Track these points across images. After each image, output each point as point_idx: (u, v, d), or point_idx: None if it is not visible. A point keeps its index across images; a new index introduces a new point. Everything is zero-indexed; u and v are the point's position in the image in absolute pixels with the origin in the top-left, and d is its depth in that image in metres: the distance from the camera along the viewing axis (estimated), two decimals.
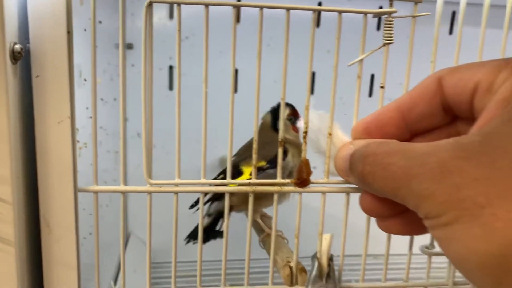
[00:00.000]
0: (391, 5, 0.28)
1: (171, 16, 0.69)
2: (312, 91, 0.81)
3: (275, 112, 0.47)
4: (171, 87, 0.70)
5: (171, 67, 0.70)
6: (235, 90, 0.73)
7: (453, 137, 0.20)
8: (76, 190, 0.28)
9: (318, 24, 0.71)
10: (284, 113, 0.31)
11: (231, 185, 0.31)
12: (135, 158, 0.65)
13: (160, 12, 0.69)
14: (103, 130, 0.54)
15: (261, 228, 0.41)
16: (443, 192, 0.18)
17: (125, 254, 0.67)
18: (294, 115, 0.47)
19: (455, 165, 0.18)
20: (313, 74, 0.73)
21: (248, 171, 0.40)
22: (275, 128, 0.47)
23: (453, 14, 0.72)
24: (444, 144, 0.19)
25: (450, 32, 0.72)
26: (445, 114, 0.24)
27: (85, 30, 0.40)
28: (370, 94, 0.72)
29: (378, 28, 0.72)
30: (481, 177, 0.17)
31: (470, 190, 0.17)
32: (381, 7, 0.28)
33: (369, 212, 0.26)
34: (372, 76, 0.72)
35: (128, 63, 0.69)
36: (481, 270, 0.17)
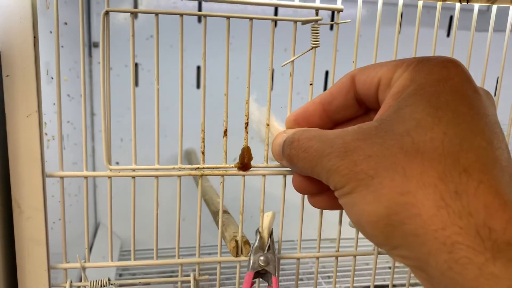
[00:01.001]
0: (317, 14, 0.33)
1: (136, 15, 0.73)
2: (272, 87, 0.86)
3: None
4: (137, 83, 0.74)
5: (136, 64, 0.74)
6: (197, 86, 0.77)
7: None
8: (44, 175, 0.32)
9: (275, 24, 0.75)
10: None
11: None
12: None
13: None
14: (70, 125, 0.57)
15: (214, 210, 0.45)
16: (345, 167, 0.22)
17: (94, 243, 0.70)
18: None
19: (355, 145, 0.22)
20: (272, 71, 0.78)
21: None
22: None
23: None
24: (350, 130, 0.23)
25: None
26: (359, 106, 0.28)
27: (50, 32, 0.44)
28: (325, 89, 0.78)
29: (331, 28, 0.77)
30: (373, 154, 0.21)
31: (364, 165, 0.21)
32: None
33: (299, 190, 0.30)
34: (326, 73, 0.77)
35: (94, 61, 0.72)
36: (374, 228, 0.21)
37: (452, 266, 0.18)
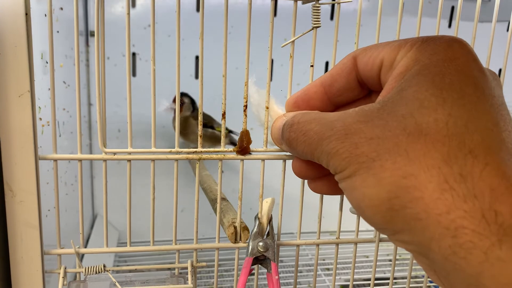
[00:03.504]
0: None
1: (133, 5, 0.72)
2: (271, 77, 0.85)
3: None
4: (134, 73, 0.73)
5: (134, 54, 0.73)
6: (196, 76, 0.76)
7: None
8: (36, 157, 0.31)
9: (275, 13, 0.74)
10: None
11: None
12: None
13: (122, 1, 0.71)
14: (66, 112, 0.56)
15: (213, 198, 0.45)
16: (345, 150, 0.21)
17: (92, 235, 0.70)
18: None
19: (355, 128, 0.21)
20: (272, 61, 0.77)
21: None
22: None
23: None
24: (351, 112, 0.23)
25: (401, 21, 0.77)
26: (361, 88, 0.27)
27: (45, 15, 0.43)
28: None
29: (332, 17, 0.76)
30: (374, 136, 0.21)
31: (365, 147, 0.21)
32: None
33: (299, 175, 0.30)
34: (327, 64, 0.76)
35: (91, 51, 0.71)
36: (375, 212, 0.20)
37: (456, 251, 0.18)
